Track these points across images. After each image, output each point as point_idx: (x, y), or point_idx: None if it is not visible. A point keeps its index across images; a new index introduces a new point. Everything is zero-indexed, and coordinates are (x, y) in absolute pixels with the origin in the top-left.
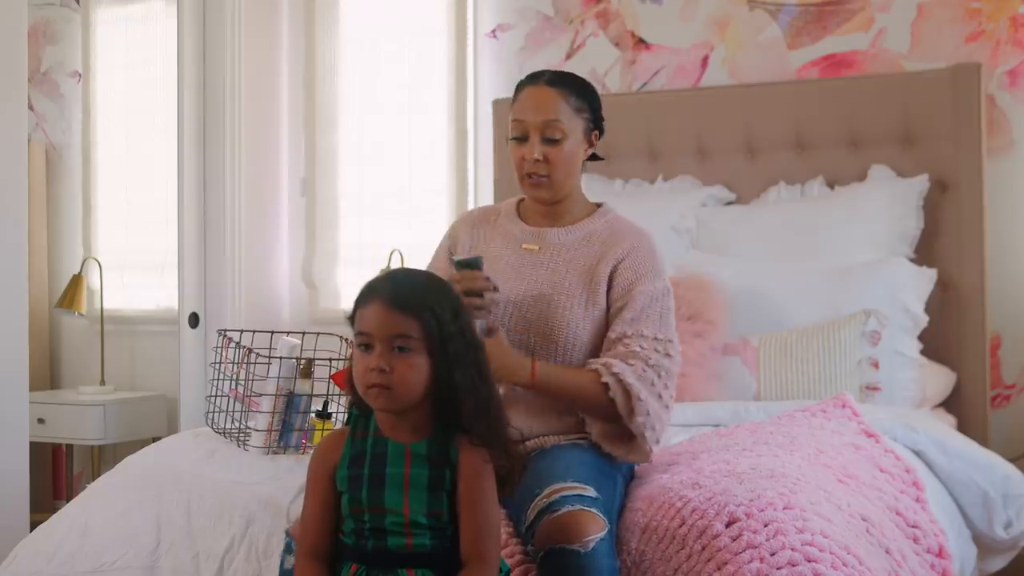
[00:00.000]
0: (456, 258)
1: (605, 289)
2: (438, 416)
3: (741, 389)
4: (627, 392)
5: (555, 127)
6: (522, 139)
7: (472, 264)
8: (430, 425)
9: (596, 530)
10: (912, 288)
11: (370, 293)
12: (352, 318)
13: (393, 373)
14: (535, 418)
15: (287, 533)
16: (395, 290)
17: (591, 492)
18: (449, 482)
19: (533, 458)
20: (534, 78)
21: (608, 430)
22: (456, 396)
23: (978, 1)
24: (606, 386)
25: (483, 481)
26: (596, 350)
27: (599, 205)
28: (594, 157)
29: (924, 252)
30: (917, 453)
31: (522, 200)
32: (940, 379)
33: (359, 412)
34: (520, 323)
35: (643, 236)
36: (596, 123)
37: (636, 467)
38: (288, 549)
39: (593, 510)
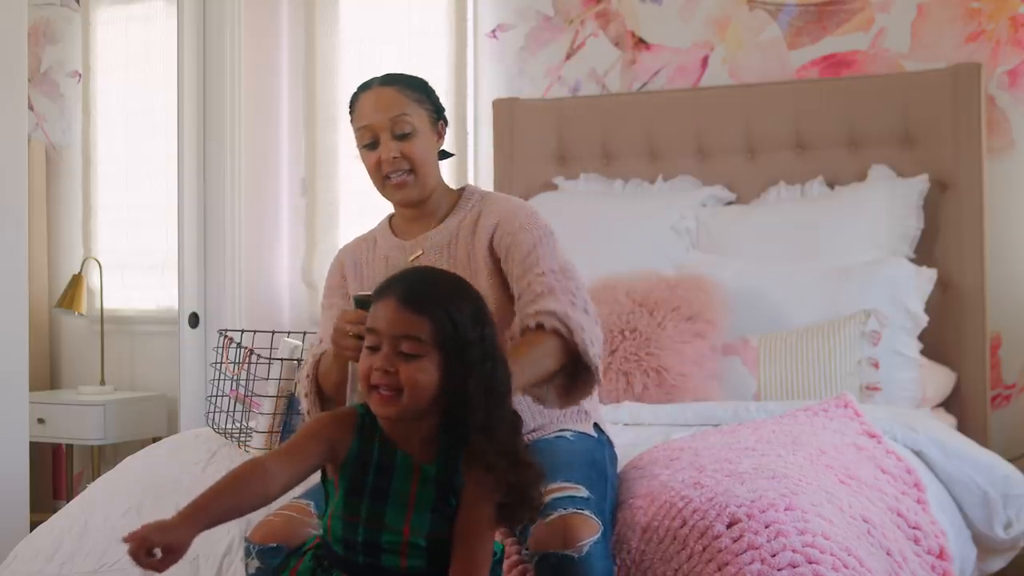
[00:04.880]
0: (356, 295)
1: (493, 266)
2: (446, 429)
3: (741, 389)
4: (558, 317)
5: (403, 121)
6: (372, 145)
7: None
8: (438, 440)
9: (589, 534)
10: (912, 288)
11: (386, 288)
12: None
13: (398, 375)
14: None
15: (246, 539)
16: (410, 287)
17: (583, 492)
18: (453, 508)
19: None
20: (366, 85)
21: (556, 384)
22: (466, 409)
23: (978, 1)
24: (540, 326)
25: (482, 512)
26: (504, 323)
27: (462, 190)
28: (444, 154)
29: (924, 252)
30: (917, 453)
31: (392, 217)
32: (940, 379)
33: (365, 410)
34: None
35: (510, 202)
36: (439, 114)
37: (634, 458)
38: (248, 553)
39: (586, 512)
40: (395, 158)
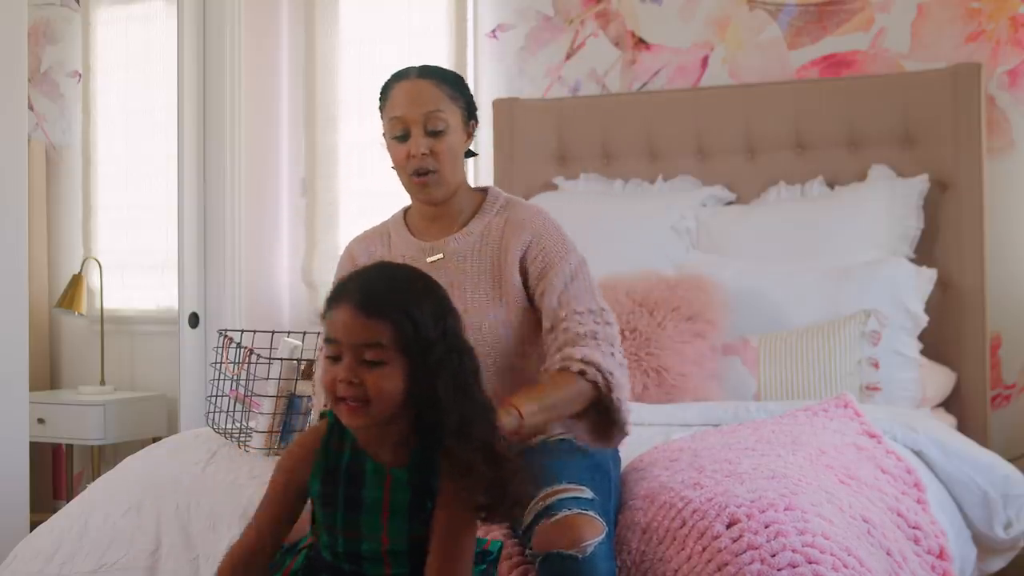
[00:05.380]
0: None
1: (519, 280)
2: (419, 431)
3: (741, 389)
4: (600, 371)
5: (437, 117)
6: (403, 137)
7: None
8: (411, 441)
9: (594, 534)
10: (912, 288)
11: (340, 294)
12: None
13: (365, 385)
14: None
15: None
16: (366, 291)
17: (587, 494)
18: (430, 511)
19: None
20: (402, 75)
21: (587, 424)
22: (438, 410)
23: (978, 1)
24: (582, 373)
25: (459, 512)
26: (522, 343)
27: (485, 192)
28: (469, 153)
29: (924, 252)
30: (917, 453)
31: (407, 211)
32: (940, 379)
33: (335, 420)
34: None
35: (541, 217)
36: (471, 112)
37: (634, 460)
38: None
39: (590, 513)
40: (424, 155)
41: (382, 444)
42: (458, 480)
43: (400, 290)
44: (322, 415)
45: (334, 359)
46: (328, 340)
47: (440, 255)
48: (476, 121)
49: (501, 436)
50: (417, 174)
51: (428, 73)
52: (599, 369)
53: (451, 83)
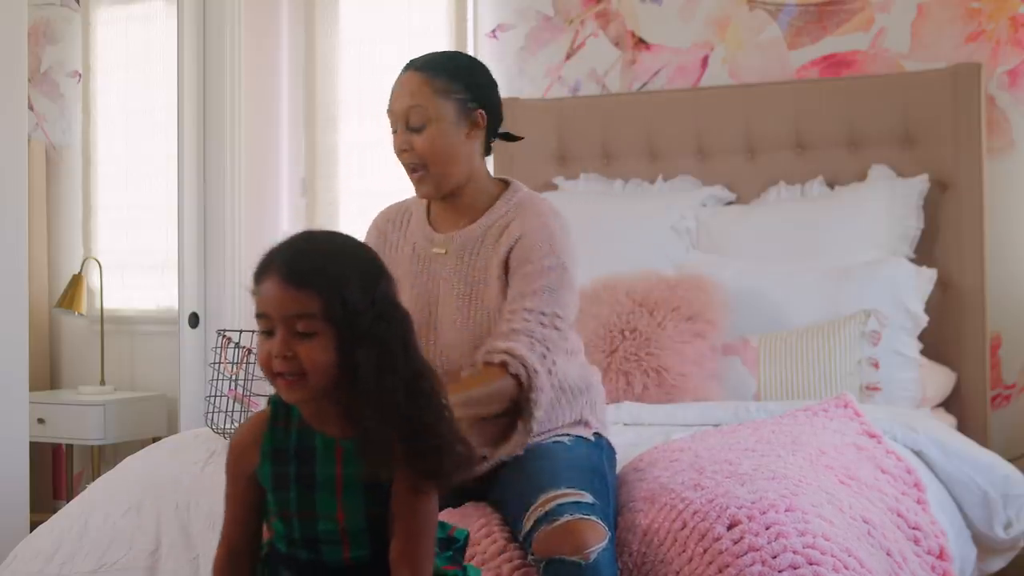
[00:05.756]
0: None
1: (504, 275)
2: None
3: (741, 389)
4: (525, 366)
5: (415, 113)
6: (395, 131)
7: None
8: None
9: (597, 540)
10: (912, 288)
11: (266, 267)
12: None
13: (299, 358)
14: None
15: None
16: (291, 262)
17: (588, 498)
18: (387, 487)
19: (515, 462)
20: (407, 66)
21: (488, 426)
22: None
23: (978, 1)
24: (503, 365)
25: (406, 482)
26: None
27: (508, 184)
28: (508, 137)
29: (924, 252)
30: (917, 453)
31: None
32: (940, 379)
33: (278, 399)
34: (448, 326)
35: (541, 217)
36: (477, 101)
37: (634, 460)
38: None
39: (593, 518)
40: (404, 151)
41: (327, 417)
42: (369, 453)
43: (326, 258)
44: (269, 400)
45: (268, 334)
46: (259, 315)
47: (444, 251)
48: (484, 109)
49: (444, 402)
50: (409, 169)
51: (420, 65)
52: (523, 364)
53: (445, 73)
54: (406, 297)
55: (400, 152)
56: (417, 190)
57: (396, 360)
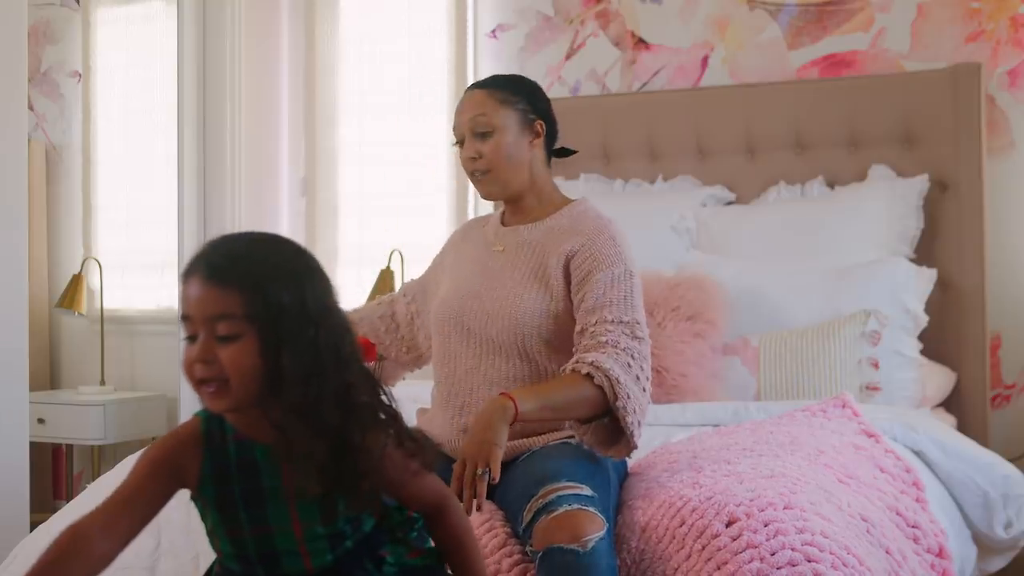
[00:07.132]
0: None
1: (564, 284)
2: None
3: (741, 389)
4: (608, 377)
5: (480, 121)
6: (460, 143)
7: None
8: None
9: (595, 529)
10: (912, 288)
11: (189, 267)
12: None
13: (220, 363)
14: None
15: None
16: (213, 260)
17: (587, 491)
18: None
19: (522, 462)
20: (468, 88)
21: (594, 430)
22: (282, 386)
23: (978, 1)
24: (589, 377)
25: (425, 481)
26: (563, 346)
27: (572, 202)
28: (562, 152)
29: (924, 252)
30: (917, 453)
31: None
32: (940, 379)
33: (208, 414)
34: (481, 317)
35: (602, 226)
36: (537, 112)
37: (633, 464)
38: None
39: (591, 509)
40: (473, 158)
41: (261, 426)
42: (294, 467)
43: (249, 255)
44: (197, 415)
45: (192, 339)
46: (182, 318)
47: (501, 247)
48: (544, 120)
49: (379, 420)
50: (473, 175)
51: (486, 83)
52: (607, 375)
53: (506, 87)
54: (451, 288)
55: (468, 160)
56: (481, 190)
57: (325, 367)
